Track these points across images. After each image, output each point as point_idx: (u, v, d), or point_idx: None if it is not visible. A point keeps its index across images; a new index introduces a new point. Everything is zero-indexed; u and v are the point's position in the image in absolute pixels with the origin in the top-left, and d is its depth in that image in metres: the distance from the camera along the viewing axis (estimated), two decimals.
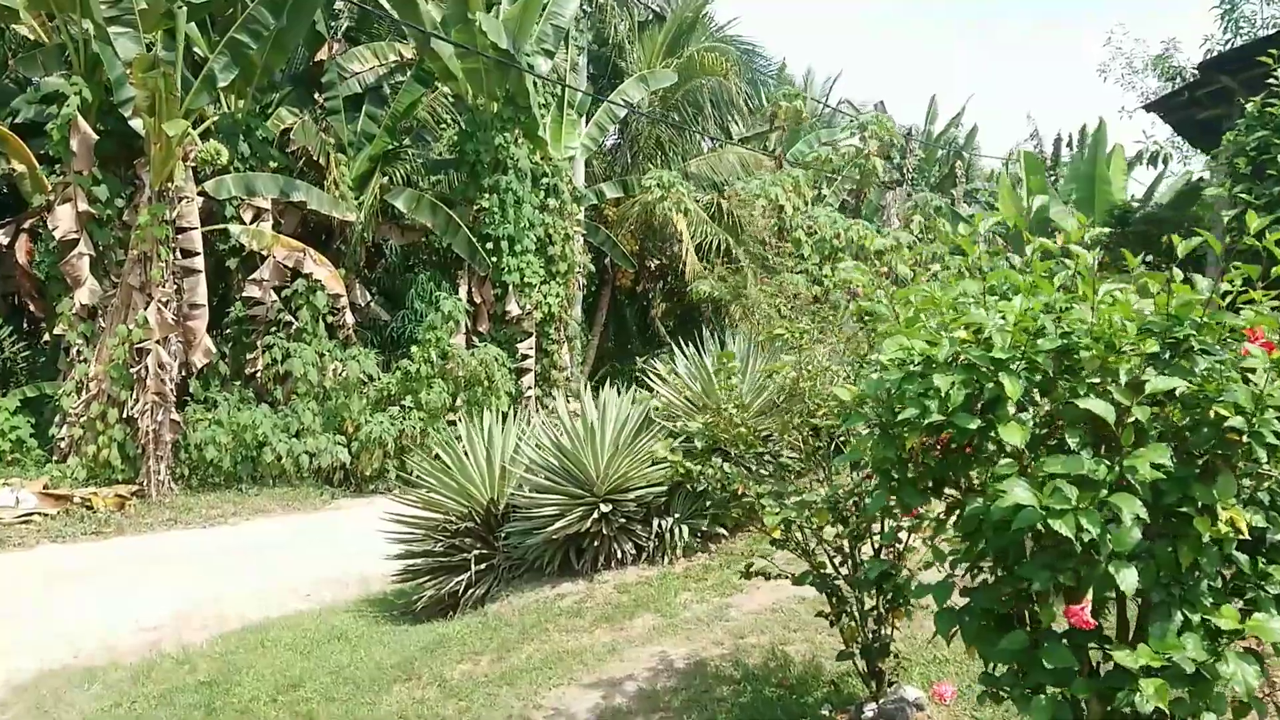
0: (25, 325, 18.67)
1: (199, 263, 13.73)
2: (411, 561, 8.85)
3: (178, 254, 13.48)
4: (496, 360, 16.21)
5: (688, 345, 8.82)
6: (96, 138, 13.54)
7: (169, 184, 13.22)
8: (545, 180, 18.54)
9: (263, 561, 11.58)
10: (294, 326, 15.80)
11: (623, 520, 7.53)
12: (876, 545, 4.30)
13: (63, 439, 13.58)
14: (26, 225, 15.89)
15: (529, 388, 18.22)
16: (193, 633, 9.29)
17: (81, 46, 13.55)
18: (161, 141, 12.91)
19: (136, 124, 13.57)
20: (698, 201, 22.67)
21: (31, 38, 16.15)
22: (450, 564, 8.55)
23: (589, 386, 22.28)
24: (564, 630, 6.64)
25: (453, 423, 16.10)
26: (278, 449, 14.33)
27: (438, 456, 9.01)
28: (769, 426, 5.49)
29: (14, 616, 9.35)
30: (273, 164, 16.11)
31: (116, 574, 10.83)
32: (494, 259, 17.49)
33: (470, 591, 8.42)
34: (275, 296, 16.15)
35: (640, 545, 7.66)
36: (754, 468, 5.53)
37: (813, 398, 4.48)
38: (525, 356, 18.16)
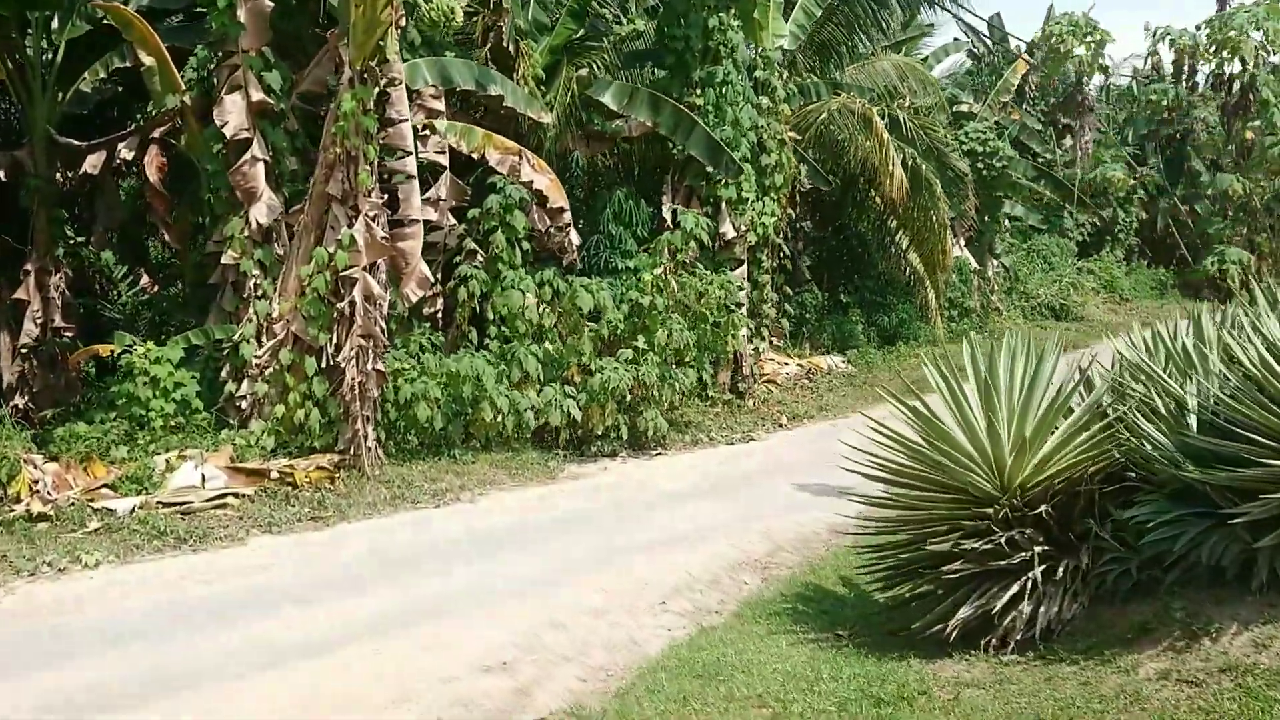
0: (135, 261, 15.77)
1: (412, 165, 10.61)
2: (919, 567, 5.93)
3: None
4: (736, 289, 13.15)
5: None
6: (272, 4, 10.37)
7: (371, 62, 10.07)
8: (757, 74, 15.36)
9: (548, 555, 8.63)
10: (481, 256, 12.75)
11: None
12: None
13: (242, 397, 10.58)
14: (156, 135, 12.75)
15: None
16: (560, 671, 6.39)
17: None
18: (366, 3, 9.74)
19: None
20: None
21: None
22: (998, 568, 5.61)
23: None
24: None
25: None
26: (499, 404, 11.34)
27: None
28: None
29: (308, 655, 6.43)
30: (449, 54, 12.91)
31: (379, 583, 7.86)
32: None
33: (1040, 610, 5.51)
34: (452, 219, 13.08)
35: None
36: None
37: None
38: (739, 289, 15.09)
